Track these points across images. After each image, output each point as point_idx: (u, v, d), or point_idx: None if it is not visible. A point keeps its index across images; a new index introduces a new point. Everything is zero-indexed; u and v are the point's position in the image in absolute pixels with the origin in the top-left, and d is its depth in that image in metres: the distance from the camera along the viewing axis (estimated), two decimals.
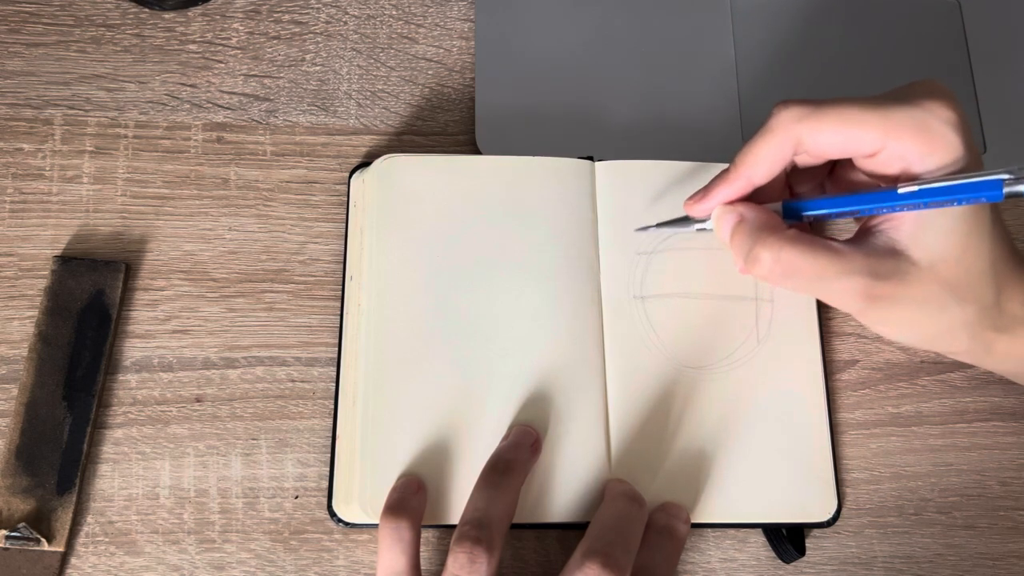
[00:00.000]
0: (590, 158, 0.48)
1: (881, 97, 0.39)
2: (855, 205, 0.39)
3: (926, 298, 0.38)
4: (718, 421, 0.45)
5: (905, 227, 0.38)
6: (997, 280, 0.39)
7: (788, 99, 0.39)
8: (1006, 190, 0.36)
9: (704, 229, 0.43)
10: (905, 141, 0.37)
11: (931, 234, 0.38)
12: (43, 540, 0.42)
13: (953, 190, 0.36)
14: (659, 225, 0.45)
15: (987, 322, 0.40)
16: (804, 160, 0.40)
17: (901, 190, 0.37)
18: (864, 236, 0.39)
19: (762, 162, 0.40)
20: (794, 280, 0.39)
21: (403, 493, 0.41)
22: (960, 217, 0.37)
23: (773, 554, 0.45)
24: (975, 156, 0.38)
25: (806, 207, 0.41)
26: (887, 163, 0.38)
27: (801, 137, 0.39)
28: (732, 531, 0.46)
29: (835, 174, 0.43)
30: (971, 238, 0.38)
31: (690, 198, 0.43)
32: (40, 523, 0.43)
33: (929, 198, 0.37)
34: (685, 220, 0.44)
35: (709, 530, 0.46)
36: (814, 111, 0.38)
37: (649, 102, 0.53)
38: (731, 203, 0.41)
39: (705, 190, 0.42)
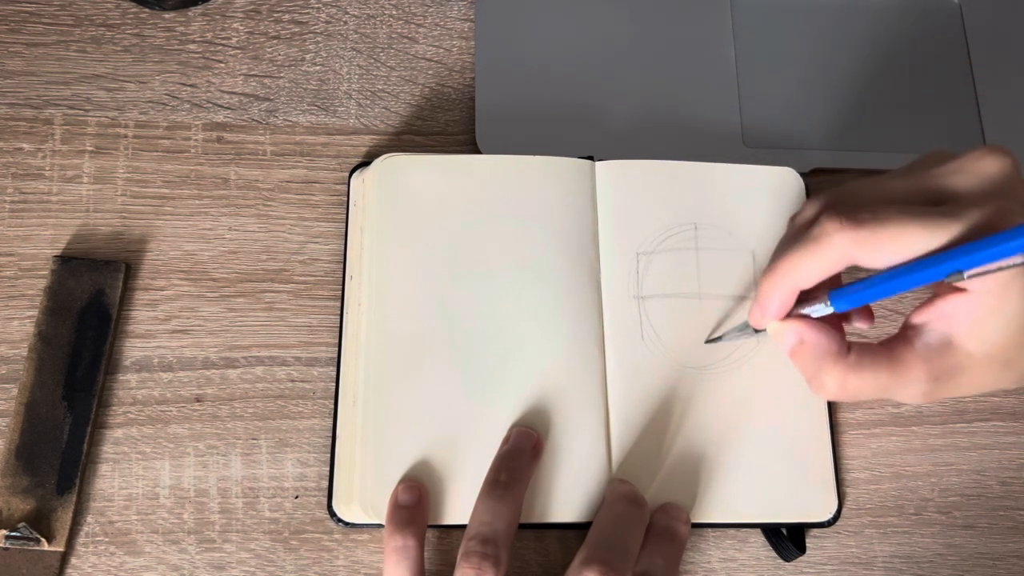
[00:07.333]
0: (590, 158, 0.48)
1: (937, 205, 0.37)
2: (901, 287, 0.37)
3: (983, 381, 0.38)
4: (718, 421, 0.45)
5: (961, 323, 0.37)
6: None
7: (835, 210, 0.37)
8: None
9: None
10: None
11: (989, 329, 0.37)
12: (43, 540, 0.42)
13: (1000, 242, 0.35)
14: (726, 337, 0.45)
15: None
16: None
17: (967, 275, 0.35)
18: (917, 333, 0.39)
19: (812, 276, 0.39)
20: (859, 399, 0.43)
21: (408, 508, 0.41)
22: (1017, 307, 0.37)
23: (773, 554, 0.45)
24: None
25: (853, 300, 0.39)
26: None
27: (856, 259, 0.37)
28: (732, 531, 0.46)
29: None
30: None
31: (750, 311, 0.42)
32: (40, 523, 0.43)
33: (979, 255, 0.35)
34: (746, 326, 0.43)
35: (709, 530, 0.46)
36: (871, 236, 0.37)
37: (649, 102, 0.53)
38: (787, 318, 0.40)
39: (758, 302, 0.41)
